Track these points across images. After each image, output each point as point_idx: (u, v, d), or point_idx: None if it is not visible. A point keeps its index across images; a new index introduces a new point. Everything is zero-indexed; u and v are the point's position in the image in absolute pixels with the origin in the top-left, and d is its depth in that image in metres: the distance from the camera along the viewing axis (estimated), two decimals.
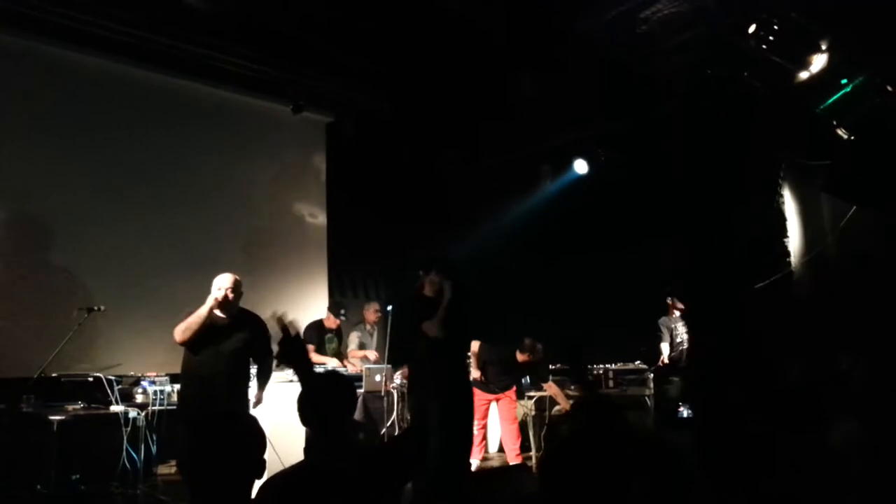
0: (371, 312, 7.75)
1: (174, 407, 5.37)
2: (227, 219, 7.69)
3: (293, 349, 2.56)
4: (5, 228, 6.20)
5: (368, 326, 7.73)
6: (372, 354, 7.29)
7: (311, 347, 6.99)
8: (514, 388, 6.86)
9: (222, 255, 7.42)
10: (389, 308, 7.56)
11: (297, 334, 2.66)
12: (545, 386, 6.91)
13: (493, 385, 6.63)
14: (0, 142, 6.23)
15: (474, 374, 6.52)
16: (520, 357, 6.60)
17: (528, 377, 7.24)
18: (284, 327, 2.56)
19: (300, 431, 5.49)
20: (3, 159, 6.25)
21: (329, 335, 7.30)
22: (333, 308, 7.40)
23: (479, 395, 6.44)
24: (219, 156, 7.71)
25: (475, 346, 6.61)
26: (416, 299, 4.75)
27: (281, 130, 8.25)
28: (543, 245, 8.58)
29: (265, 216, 8.12)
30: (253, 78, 7.40)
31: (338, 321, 7.31)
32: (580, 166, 8.42)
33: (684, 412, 6.73)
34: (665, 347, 7.40)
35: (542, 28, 6.42)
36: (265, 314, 7.58)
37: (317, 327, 7.25)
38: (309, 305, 7.52)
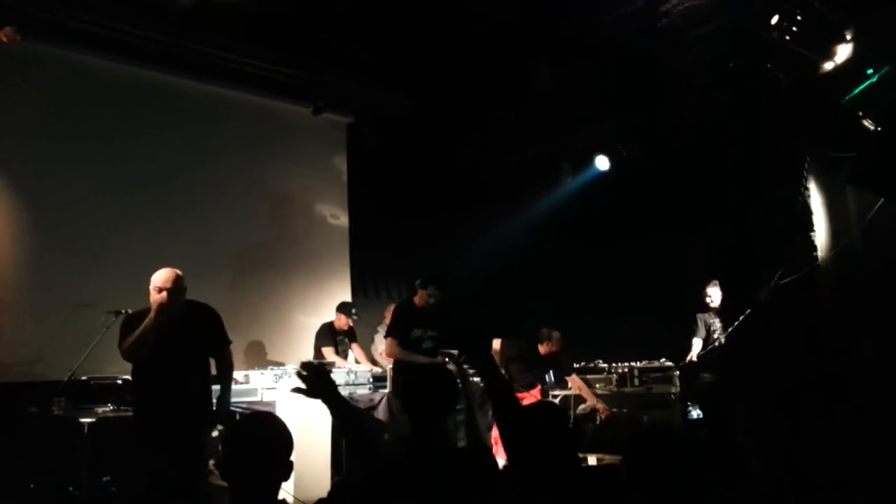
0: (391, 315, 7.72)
1: None
2: (250, 221, 7.75)
3: (323, 386, 2.51)
4: (32, 232, 6.30)
5: None
6: None
7: (329, 350, 7.00)
8: (539, 386, 6.82)
9: (246, 256, 7.50)
10: None
11: (326, 371, 2.61)
12: (569, 380, 6.83)
13: (518, 383, 6.59)
14: (27, 148, 6.34)
15: None
16: (542, 349, 6.56)
17: (551, 373, 7.20)
18: (313, 367, 2.54)
19: (326, 432, 5.59)
20: (31, 165, 6.36)
21: (340, 337, 7.24)
22: (344, 309, 7.25)
23: None
24: (241, 158, 7.77)
25: (497, 343, 6.56)
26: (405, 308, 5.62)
27: (302, 132, 8.29)
28: (566, 241, 8.52)
29: (287, 217, 8.15)
30: (273, 80, 7.45)
31: (349, 321, 7.20)
32: (601, 162, 8.33)
33: (694, 413, 6.52)
34: (697, 343, 7.03)
35: (562, 22, 6.38)
36: (290, 315, 7.69)
37: (329, 330, 7.18)
38: (333, 307, 7.53)
